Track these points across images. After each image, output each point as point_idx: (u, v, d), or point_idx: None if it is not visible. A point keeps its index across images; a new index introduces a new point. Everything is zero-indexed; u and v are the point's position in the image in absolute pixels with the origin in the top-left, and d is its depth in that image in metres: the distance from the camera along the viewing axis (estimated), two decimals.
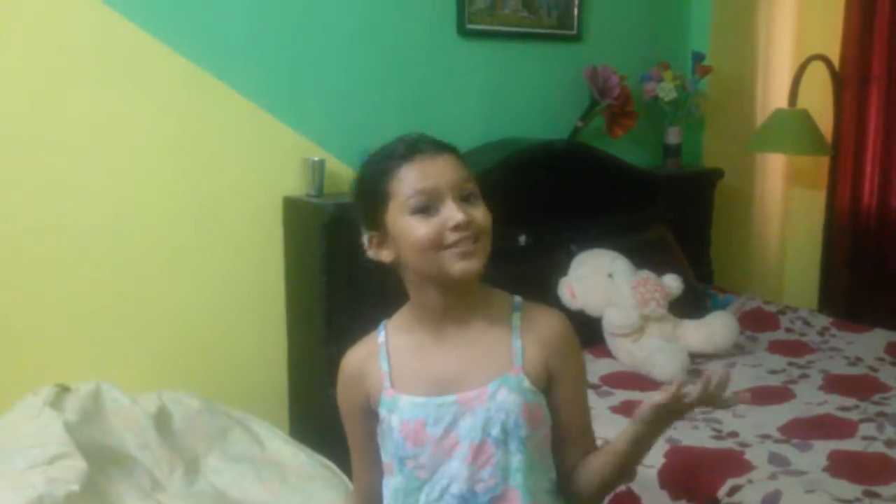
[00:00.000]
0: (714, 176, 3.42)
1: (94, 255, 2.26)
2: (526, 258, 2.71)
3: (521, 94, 3.05)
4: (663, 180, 3.27)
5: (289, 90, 2.54)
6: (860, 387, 2.35)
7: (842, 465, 1.87)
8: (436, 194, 1.16)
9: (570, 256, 2.73)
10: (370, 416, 1.26)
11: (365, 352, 1.28)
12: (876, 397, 2.27)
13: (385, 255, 1.22)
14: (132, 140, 2.28)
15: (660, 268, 2.69)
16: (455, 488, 1.18)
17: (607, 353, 2.61)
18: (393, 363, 1.25)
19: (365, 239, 1.24)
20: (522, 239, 2.77)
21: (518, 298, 1.29)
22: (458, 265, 1.16)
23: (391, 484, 1.24)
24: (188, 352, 2.43)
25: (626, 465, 1.24)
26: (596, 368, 2.52)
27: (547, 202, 2.88)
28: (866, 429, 2.07)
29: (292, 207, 2.53)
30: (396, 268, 1.22)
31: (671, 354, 2.45)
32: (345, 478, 2.04)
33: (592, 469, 1.25)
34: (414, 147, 1.19)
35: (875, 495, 1.74)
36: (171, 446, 2.02)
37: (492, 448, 1.18)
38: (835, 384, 2.38)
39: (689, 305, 2.74)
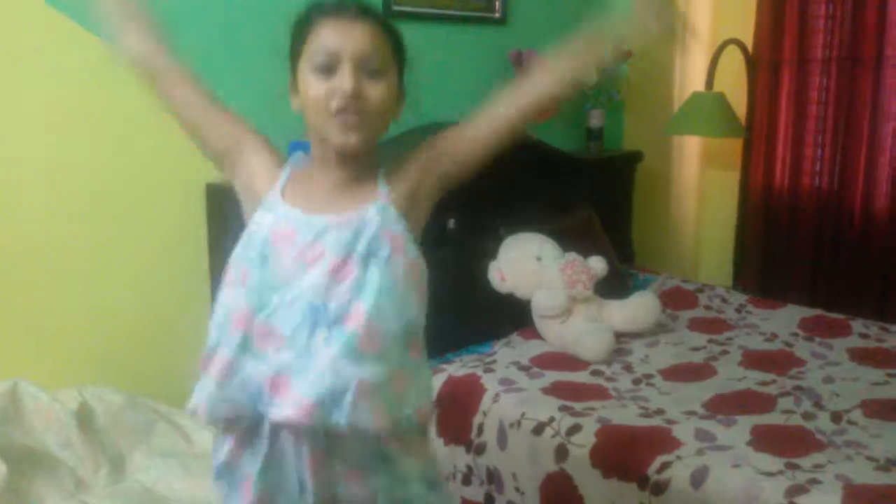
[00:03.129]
0: (634, 158, 3.49)
1: (5, 245, 2.14)
2: (455, 242, 2.71)
3: (447, 78, 3.02)
4: (587, 163, 3.32)
5: (211, 74, 2.42)
6: (777, 362, 2.45)
7: (764, 439, 1.95)
8: (337, 59, 1.19)
9: (500, 240, 2.75)
10: (238, 159, 1.33)
11: (277, 157, 1.34)
12: (792, 372, 2.38)
13: (294, 104, 1.27)
14: (44, 124, 2.16)
15: (585, 250, 2.74)
16: (310, 296, 1.19)
17: (536, 335, 2.64)
18: (290, 179, 1.29)
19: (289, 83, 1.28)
20: (451, 223, 2.77)
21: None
22: (339, 137, 1.20)
23: (238, 294, 1.26)
24: (109, 345, 2.33)
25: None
26: (526, 350, 2.55)
27: (475, 186, 2.86)
28: (785, 403, 2.16)
29: (216, 194, 2.45)
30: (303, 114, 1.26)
31: (598, 334, 2.50)
32: None
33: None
34: (339, 6, 1.22)
35: (796, 467, 1.82)
36: (94, 444, 1.94)
37: (354, 265, 1.20)
38: (753, 360, 2.47)
39: (612, 286, 2.80)
